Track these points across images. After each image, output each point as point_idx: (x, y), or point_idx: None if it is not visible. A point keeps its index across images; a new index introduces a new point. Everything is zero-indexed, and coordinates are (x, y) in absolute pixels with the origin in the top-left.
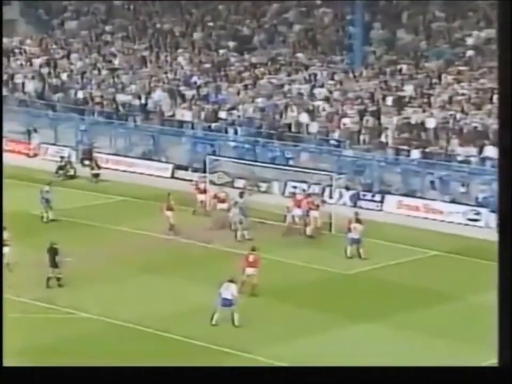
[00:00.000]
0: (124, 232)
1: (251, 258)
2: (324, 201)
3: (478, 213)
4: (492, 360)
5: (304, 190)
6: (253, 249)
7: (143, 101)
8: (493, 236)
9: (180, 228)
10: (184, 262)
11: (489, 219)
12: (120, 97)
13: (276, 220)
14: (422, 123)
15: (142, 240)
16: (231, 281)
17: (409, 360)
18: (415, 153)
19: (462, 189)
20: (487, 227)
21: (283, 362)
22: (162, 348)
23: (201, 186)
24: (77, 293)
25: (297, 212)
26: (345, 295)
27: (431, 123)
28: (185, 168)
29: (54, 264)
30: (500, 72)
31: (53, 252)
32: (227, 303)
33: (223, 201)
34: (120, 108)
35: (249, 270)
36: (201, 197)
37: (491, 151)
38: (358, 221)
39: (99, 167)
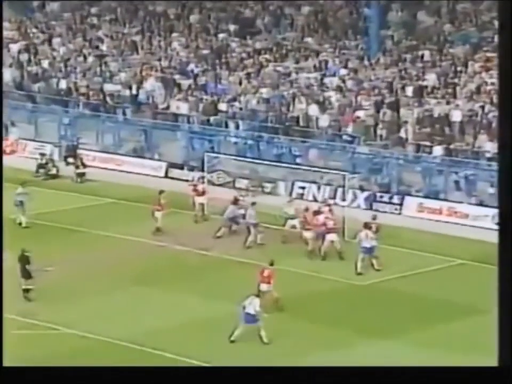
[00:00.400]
0: (112, 238)
1: (266, 273)
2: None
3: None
4: None
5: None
6: (271, 264)
7: (133, 92)
8: None
9: (175, 233)
10: (179, 272)
11: None
12: (108, 87)
13: (281, 225)
14: (446, 116)
15: (132, 247)
16: (257, 295)
17: None
18: (438, 150)
19: (491, 190)
20: None
21: None
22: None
23: (200, 188)
24: (59, 307)
25: (308, 234)
26: (358, 309)
27: (456, 116)
28: (181, 167)
29: (26, 275)
30: (500, 71)
31: (24, 260)
32: (250, 319)
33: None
34: (108, 99)
35: (264, 287)
36: (199, 199)
37: None
38: (368, 226)
39: (84, 166)
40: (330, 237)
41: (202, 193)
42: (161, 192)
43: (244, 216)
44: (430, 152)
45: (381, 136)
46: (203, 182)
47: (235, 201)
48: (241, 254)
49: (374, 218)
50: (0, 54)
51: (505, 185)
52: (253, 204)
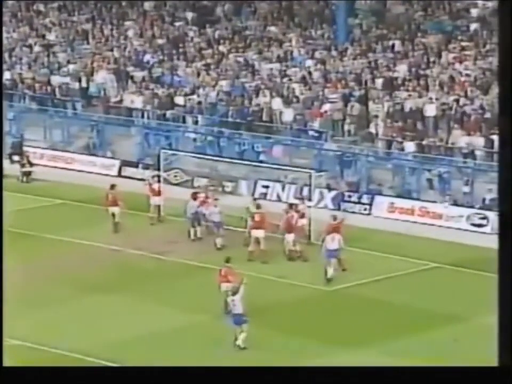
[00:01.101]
0: (62, 243)
1: (223, 272)
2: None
3: (484, 217)
4: None
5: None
6: (227, 261)
7: (83, 84)
8: None
9: (131, 236)
10: (136, 278)
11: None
12: (56, 79)
13: (243, 227)
14: (418, 110)
15: (85, 252)
16: (233, 293)
17: None
18: (410, 146)
19: (466, 189)
20: (495, 233)
21: None
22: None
23: (156, 187)
24: (6, 316)
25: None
26: (324, 316)
27: (429, 110)
28: (135, 165)
29: None
30: (500, 70)
31: None
32: (239, 320)
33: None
34: (57, 92)
35: (224, 286)
36: (155, 200)
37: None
38: (336, 229)
39: (31, 164)
40: (288, 237)
41: (159, 193)
42: (112, 186)
43: (205, 216)
44: (402, 149)
45: (349, 131)
46: (159, 181)
47: (195, 197)
48: (199, 259)
49: (335, 219)
50: (0, 53)
51: (505, 187)
52: (216, 200)
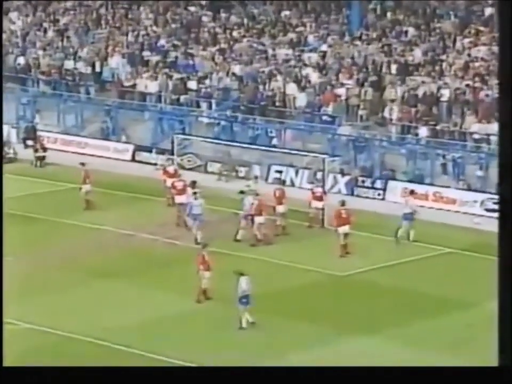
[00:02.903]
0: (74, 227)
1: (201, 258)
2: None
3: (498, 202)
4: None
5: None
6: (204, 247)
7: (97, 69)
8: None
9: (143, 221)
10: (148, 263)
11: None
12: (70, 64)
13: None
14: (433, 95)
15: (97, 236)
16: (241, 274)
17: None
18: (424, 131)
19: (480, 173)
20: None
21: None
22: (122, 365)
23: (170, 169)
24: (18, 300)
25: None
26: (337, 301)
27: (443, 95)
28: (149, 150)
29: None
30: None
31: None
32: (245, 301)
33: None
34: (70, 77)
35: (203, 274)
36: (169, 182)
37: None
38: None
39: (45, 149)
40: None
41: (174, 174)
42: (83, 164)
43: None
44: (416, 134)
45: (362, 116)
46: (172, 164)
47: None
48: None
49: (343, 204)
50: (0, 53)
51: (505, 169)
52: (193, 182)
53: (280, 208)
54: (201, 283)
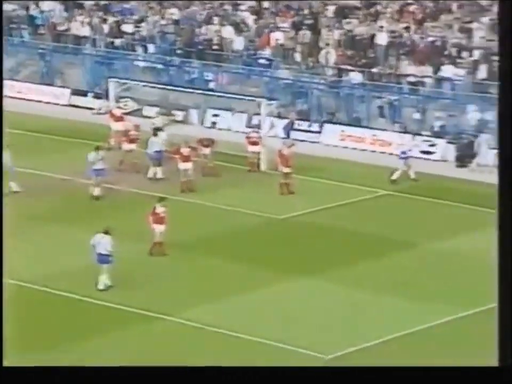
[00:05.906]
0: (13, 175)
1: (157, 211)
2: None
3: (433, 144)
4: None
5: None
6: (160, 200)
7: (31, 12)
8: (450, 171)
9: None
10: (87, 208)
11: (446, 151)
12: (3, 7)
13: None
14: (369, 38)
15: (34, 181)
16: (105, 232)
17: (352, 320)
18: (360, 75)
19: (416, 116)
20: (443, 160)
21: (208, 326)
22: (68, 310)
23: (116, 112)
24: None
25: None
26: (277, 244)
27: (379, 38)
28: (85, 94)
29: None
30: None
31: None
32: (103, 259)
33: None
34: (3, 20)
35: (156, 227)
36: (115, 125)
37: (450, 71)
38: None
39: None
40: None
41: (120, 118)
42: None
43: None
44: (352, 77)
45: (299, 60)
46: (112, 109)
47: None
48: (149, 187)
49: (290, 146)
50: (0, 52)
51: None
52: (157, 130)
53: (206, 150)
54: (152, 235)
